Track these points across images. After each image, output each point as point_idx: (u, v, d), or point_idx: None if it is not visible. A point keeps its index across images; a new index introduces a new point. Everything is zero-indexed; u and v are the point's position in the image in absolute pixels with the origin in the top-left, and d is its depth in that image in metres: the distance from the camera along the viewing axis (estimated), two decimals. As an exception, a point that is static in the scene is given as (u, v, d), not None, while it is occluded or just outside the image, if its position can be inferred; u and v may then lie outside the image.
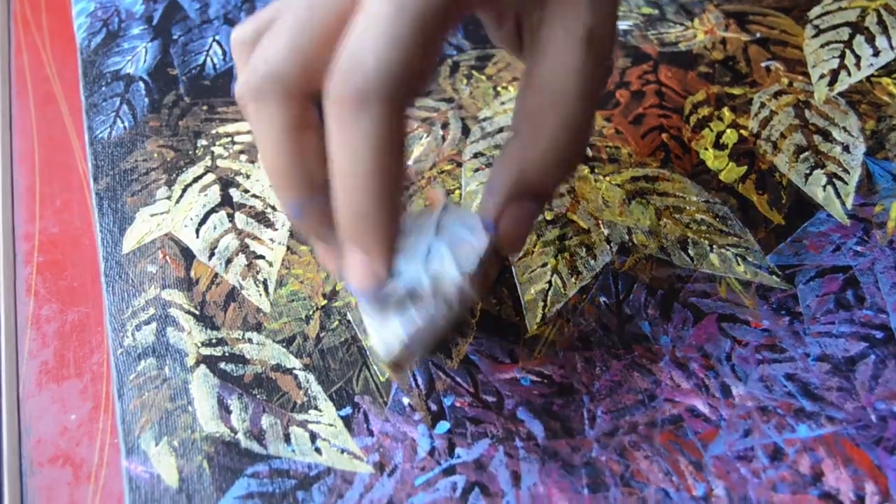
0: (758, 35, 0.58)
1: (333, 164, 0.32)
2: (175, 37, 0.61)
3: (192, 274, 0.47)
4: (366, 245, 0.34)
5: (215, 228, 0.49)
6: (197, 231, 0.49)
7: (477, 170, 0.50)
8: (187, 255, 0.48)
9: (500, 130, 0.53)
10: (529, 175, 0.36)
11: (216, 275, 0.47)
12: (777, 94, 0.54)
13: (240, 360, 0.43)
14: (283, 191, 0.35)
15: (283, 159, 0.34)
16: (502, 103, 0.54)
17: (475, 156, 0.51)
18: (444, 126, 0.53)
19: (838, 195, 0.48)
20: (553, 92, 0.35)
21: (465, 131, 0.53)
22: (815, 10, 0.59)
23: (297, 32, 0.33)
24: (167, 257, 0.48)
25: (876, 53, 0.56)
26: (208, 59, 0.59)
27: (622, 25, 0.59)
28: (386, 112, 0.30)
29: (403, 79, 0.30)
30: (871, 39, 0.57)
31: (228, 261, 0.47)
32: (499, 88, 0.55)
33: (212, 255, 0.48)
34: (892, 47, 0.56)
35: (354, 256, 0.35)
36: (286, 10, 0.34)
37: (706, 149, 0.51)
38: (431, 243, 0.38)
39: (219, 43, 0.60)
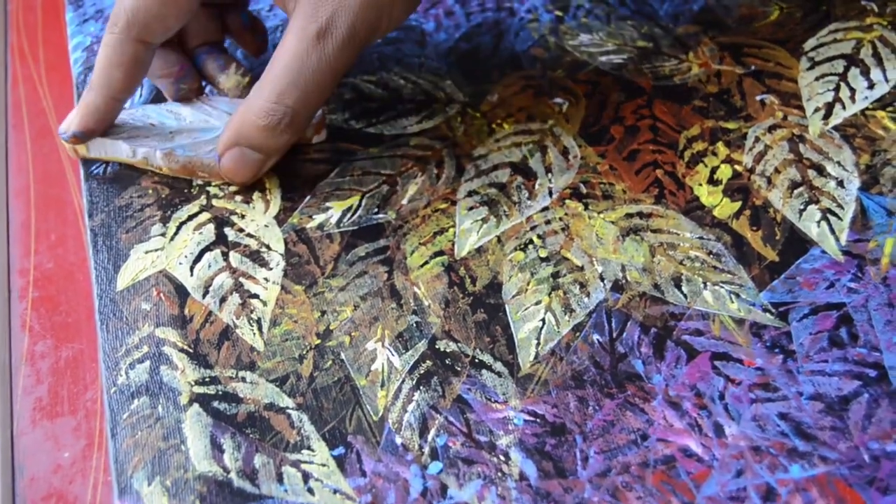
0: (752, 68, 0.58)
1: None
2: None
3: (187, 312, 0.47)
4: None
5: (210, 266, 0.49)
6: (191, 269, 0.49)
7: (471, 208, 0.50)
8: (181, 293, 0.48)
9: (495, 168, 0.53)
10: (245, 128, 0.49)
11: (210, 313, 0.47)
12: (771, 129, 0.54)
13: (233, 399, 0.43)
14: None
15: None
16: (497, 141, 0.54)
17: (469, 194, 0.52)
18: (439, 164, 0.53)
19: (832, 231, 0.48)
20: (273, 66, 0.48)
21: (460, 169, 0.53)
22: (811, 42, 0.59)
23: None
24: (161, 295, 0.48)
25: (871, 86, 0.56)
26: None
27: (616, 59, 0.59)
28: (119, 40, 0.49)
29: (141, 20, 0.48)
30: (866, 72, 0.57)
31: (223, 299, 0.47)
32: (493, 126, 0.56)
33: (206, 293, 0.48)
34: (886, 79, 0.56)
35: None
36: None
37: (700, 184, 0.51)
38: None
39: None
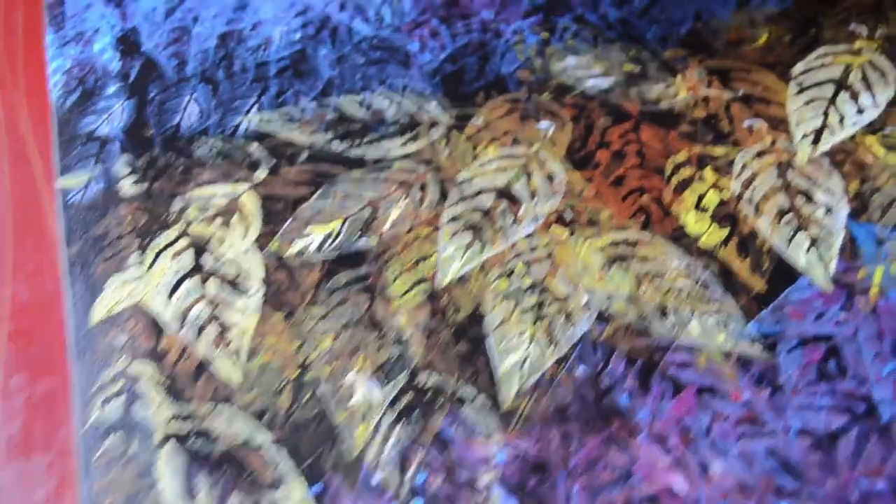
0: (741, 92, 0.57)
1: None
2: (151, 95, 0.60)
3: (163, 345, 0.46)
4: None
5: (187, 296, 0.48)
6: (169, 298, 0.48)
7: (455, 234, 0.50)
8: (157, 325, 0.47)
9: (480, 193, 0.52)
10: None
11: (185, 346, 0.46)
12: (760, 154, 0.53)
13: (209, 435, 0.42)
14: None
15: None
16: (481, 165, 0.53)
17: (453, 219, 0.51)
18: (422, 188, 0.52)
19: (821, 260, 0.47)
20: None
21: (444, 194, 0.52)
22: (799, 67, 0.59)
23: None
24: (137, 327, 0.47)
25: (860, 111, 0.55)
26: (184, 118, 0.58)
27: (603, 84, 0.58)
28: None
29: None
30: (855, 97, 0.56)
31: (200, 329, 0.47)
32: (477, 149, 0.54)
33: (183, 323, 0.47)
34: (876, 104, 0.55)
35: None
36: None
37: (687, 211, 0.50)
38: None
39: (196, 101, 0.59)
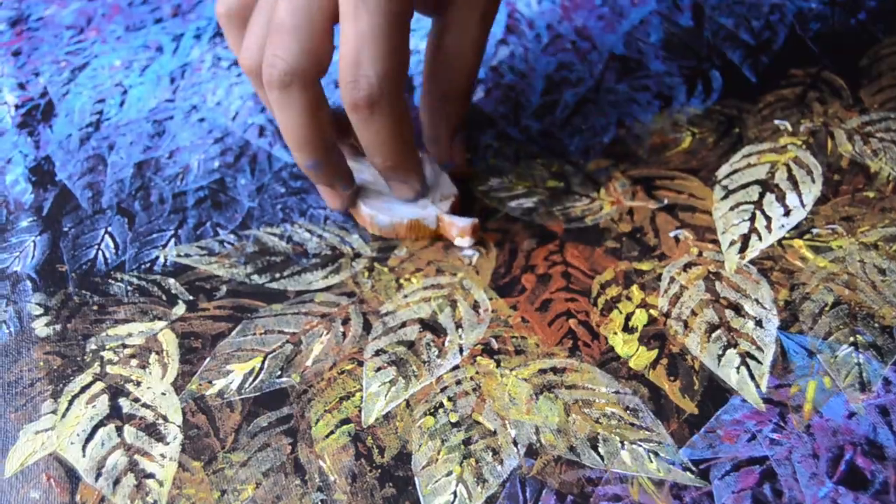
0: (665, 201, 0.57)
1: (363, 142, 0.51)
2: (65, 229, 0.59)
3: (79, 498, 0.45)
4: (408, 175, 0.54)
5: (103, 445, 0.46)
6: (83, 448, 0.46)
7: (379, 369, 0.48)
8: (73, 477, 0.45)
9: (403, 325, 0.51)
10: (451, 106, 0.55)
11: (104, 498, 0.44)
12: (687, 267, 0.52)
13: None
14: (306, 154, 0.51)
15: (306, 132, 0.49)
16: (405, 296, 0.52)
17: (377, 353, 0.49)
18: (345, 322, 0.51)
19: (752, 377, 0.46)
20: (459, 54, 0.53)
21: (367, 327, 0.51)
22: (724, 169, 0.58)
23: (303, 34, 0.46)
24: (51, 480, 0.45)
25: (787, 213, 0.55)
26: (100, 253, 0.57)
27: (527, 203, 0.58)
28: (394, 107, 0.48)
29: (400, 79, 0.47)
30: (781, 197, 0.56)
31: (116, 481, 0.45)
32: (401, 281, 0.54)
33: (99, 474, 0.45)
34: (803, 204, 0.55)
35: (399, 184, 0.55)
36: None
37: (615, 333, 0.49)
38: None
39: (111, 235, 0.58)
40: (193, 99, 0.69)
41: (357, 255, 0.57)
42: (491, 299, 0.53)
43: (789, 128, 0.61)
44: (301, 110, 0.48)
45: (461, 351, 0.50)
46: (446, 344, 0.50)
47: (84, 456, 0.47)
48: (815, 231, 0.53)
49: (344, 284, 0.55)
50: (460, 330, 0.51)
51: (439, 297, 0.53)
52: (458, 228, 0.55)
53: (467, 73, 0.53)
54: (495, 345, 0.50)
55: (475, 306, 0.52)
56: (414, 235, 0.56)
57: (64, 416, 0.49)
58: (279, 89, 0.47)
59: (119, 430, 0.47)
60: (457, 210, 0.57)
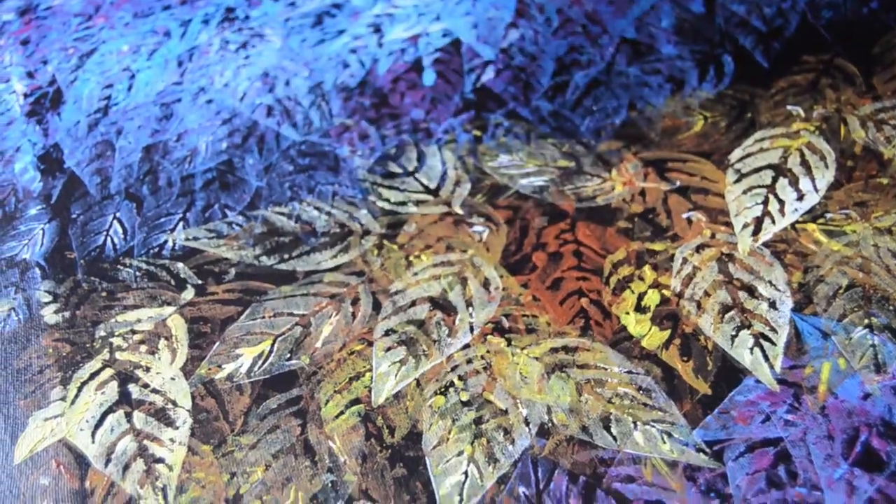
0: (678, 183, 0.56)
1: None
2: (74, 216, 0.59)
3: (88, 484, 0.44)
4: None
5: (112, 431, 0.46)
6: (93, 435, 0.46)
7: (389, 349, 0.48)
8: (82, 464, 0.45)
9: (413, 304, 0.50)
10: None
11: (113, 484, 0.44)
12: (699, 248, 0.52)
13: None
14: None
15: None
16: (415, 274, 0.52)
17: (387, 333, 0.49)
18: (354, 302, 0.51)
19: (766, 358, 0.46)
20: None
21: (377, 306, 0.50)
22: (737, 153, 0.58)
23: None
24: (61, 467, 0.45)
25: (800, 197, 0.54)
26: (108, 239, 0.57)
27: (538, 182, 0.57)
28: None
29: None
30: (794, 182, 0.55)
31: (126, 467, 0.45)
32: (411, 258, 0.53)
33: (108, 460, 0.45)
34: (816, 189, 0.54)
35: None
36: None
37: (627, 313, 0.49)
38: None
39: (119, 221, 0.58)
40: (201, 81, 0.69)
41: (366, 233, 0.56)
42: (502, 277, 0.52)
43: (802, 113, 0.61)
44: None
45: (472, 329, 0.49)
46: (457, 322, 0.50)
47: (93, 442, 0.46)
48: (828, 215, 0.52)
49: (353, 263, 0.54)
50: (471, 308, 0.50)
51: (449, 275, 0.52)
52: None
53: None
54: (506, 323, 0.49)
55: (486, 284, 0.52)
56: None
57: (73, 402, 0.48)
58: None
59: (128, 415, 0.47)
60: None
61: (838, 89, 0.62)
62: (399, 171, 0.60)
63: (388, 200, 0.58)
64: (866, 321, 0.47)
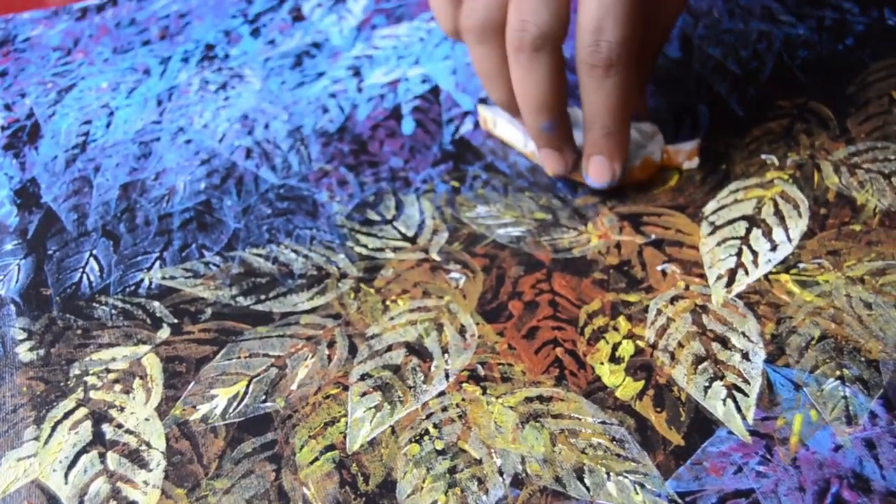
0: (653, 237, 0.57)
1: (589, 105, 0.54)
2: (50, 252, 0.58)
3: (60, 525, 0.44)
4: (620, 147, 0.57)
5: (86, 472, 0.45)
6: (66, 476, 0.45)
7: (364, 394, 0.48)
8: None
9: (389, 349, 0.50)
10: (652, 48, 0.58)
11: (85, 527, 0.44)
12: (674, 300, 0.52)
13: None
14: (545, 115, 0.54)
15: (549, 93, 0.53)
16: (391, 318, 0.52)
17: (362, 377, 0.49)
18: (331, 345, 0.51)
19: (739, 409, 0.46)
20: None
21: (353, 350, 0.50)
22: (711, 206, 0.58)
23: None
24: (33, 507, 0.44)
25: (773, 248, 0.55)
26: (84, 276, 0.57)
27: (515, 232, 0.58)
28: (627, 73, 0.51)
29: (635, 47, 0.50)
30: (768, 232, 0.56)
31: (98, 508, 0.44)
32: (387, 303, 0.53)
33: (81, 502, 0.44)
34: (789, 239, 0.55)
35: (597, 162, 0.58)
36: None
37: (602, 363, 0.49)
38: None
39: (95, 258, 0.58)
40: (180, 121, 0.69)
41: (343, 276, 0.56)
42: (478, 324, 0.52)
43: (776, 162, 0.62)
44: (547, 72, 0.52)
45: (447, 377, 0.50)
46: (432, 369, 0.50)
47: (66, 483, 0.46)
48: (801, 266, 0.53)
49: (330, 306, 0.54)
50: (446, 355, 0.51)
51: (426, 321, 0.53)
52: (686, 153, 0.62)
53: (676, 13, 0.57)
54: (482, 371, 0.49)
55: (462, 331, 0.52)
56: (645, 174, 0.61)
57: (47, 442, 0.48)
58: (530, 52, 0.51)
59: (102, 456, 0.47)
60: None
61: (812, 134, 0.63)
62: (377, 218, 0.60)
63: (365, 246, 0.58)
64: (838, 373, 0.48)
